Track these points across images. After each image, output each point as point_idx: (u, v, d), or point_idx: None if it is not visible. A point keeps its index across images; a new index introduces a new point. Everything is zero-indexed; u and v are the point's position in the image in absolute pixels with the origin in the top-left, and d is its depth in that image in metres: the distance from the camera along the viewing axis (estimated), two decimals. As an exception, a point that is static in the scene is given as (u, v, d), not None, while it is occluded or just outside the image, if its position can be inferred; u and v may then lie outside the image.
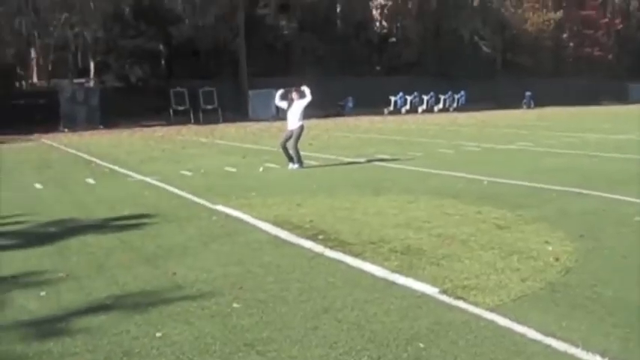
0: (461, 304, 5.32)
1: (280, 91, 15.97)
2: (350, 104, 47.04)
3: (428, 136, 24.91)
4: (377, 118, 40.59)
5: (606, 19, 70.40)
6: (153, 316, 5.25)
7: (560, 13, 64.27)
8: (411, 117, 42.47)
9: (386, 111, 46.85)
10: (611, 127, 27.95)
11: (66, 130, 35.72)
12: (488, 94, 55.08)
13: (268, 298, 5.60)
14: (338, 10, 59.39)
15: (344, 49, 53.36)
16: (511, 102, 53.11)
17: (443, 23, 58.58)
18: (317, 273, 6.31)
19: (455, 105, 51.17)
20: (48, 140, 28.49)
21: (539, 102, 53.98)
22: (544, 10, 63.51)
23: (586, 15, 68.42)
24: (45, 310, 5.51)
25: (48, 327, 5.12)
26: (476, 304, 5.28)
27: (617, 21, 70.41)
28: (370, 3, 61.96)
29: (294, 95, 15.45)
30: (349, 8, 58.42)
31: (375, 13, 63.49)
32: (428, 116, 43.29)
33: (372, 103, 45.92)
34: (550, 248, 6.96)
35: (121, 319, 5.20)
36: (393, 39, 61.59)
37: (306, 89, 15.34)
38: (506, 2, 61.21)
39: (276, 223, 8.59)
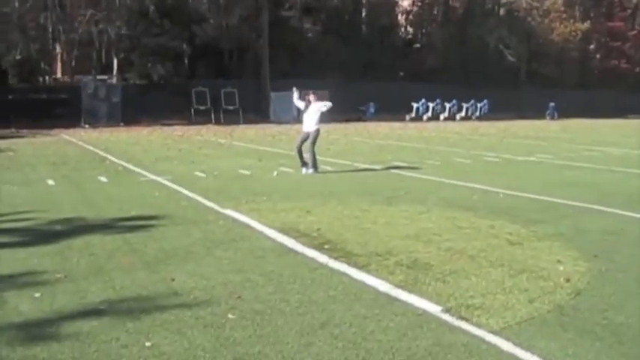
0: (464, 324, 5.11)
1: (297, 91, 15.97)
2: (371, 109, 46.74)
3: (447, 144, 24.63)
4: (397, 125, 40.30)
5: (634, 32, 69.43)
6: (145, 324, 5.10)
7: (587, 24, 63.46)
8: (432, 124, 42.12)
9: (407, 117, 46.58)
10: (636, 142, 27.49)
11: (87, 126, 35.84)
12: (512, 104, 54.57)
13: (265, 309, 5.44)
14: (363, 14, 59.25)
15: (368, 53, 53.10)
16: (534, 112, 52.57)
17: (468, 31, 58.15)
18: (318, 285, 6.14)
19: (477, 114, 50.73)
20: (67, 136, 28.55)
21: (563, 113, 53.41)
22: (571, 21, 62.72)
23: (614, 26, 67.64)
24: (37, 312, 5.39)
25: (37, 330, 5.01)
26: (479, 326, 5.07)
27: (646, 33, 69.38)
28: (396, 8, 61.79)
29: (312, 97, 15.32)
30: (374, 13, 58.24)
31: (401, 18, 63.35)
32: (449, 124, 42.91)
33: (394, 109, 45.65)
34: (562, 268, 6.72)
35: (113, 326, 5.06)
36: (418, 45, 61.37)
37: (327, 103, 15.37)
38: (532, 11, 60.57)
39: (283, 231, 8.43)
